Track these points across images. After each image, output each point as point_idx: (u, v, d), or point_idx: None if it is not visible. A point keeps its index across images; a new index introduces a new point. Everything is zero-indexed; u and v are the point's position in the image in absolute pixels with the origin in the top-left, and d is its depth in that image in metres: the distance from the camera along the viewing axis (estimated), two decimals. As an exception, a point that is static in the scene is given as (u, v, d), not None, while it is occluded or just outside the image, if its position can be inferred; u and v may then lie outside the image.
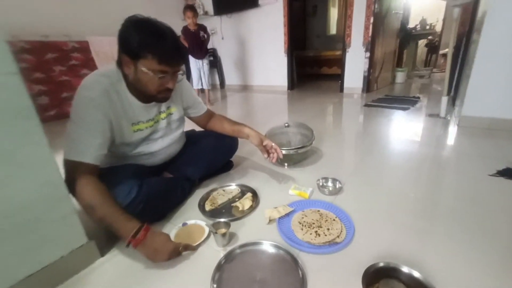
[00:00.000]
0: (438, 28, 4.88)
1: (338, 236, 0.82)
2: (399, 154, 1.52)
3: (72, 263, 0.76)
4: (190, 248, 0.80)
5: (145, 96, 0.89)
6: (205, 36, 3.07)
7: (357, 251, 0.78)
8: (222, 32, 4.49)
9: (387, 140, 1.75)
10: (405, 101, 2.75)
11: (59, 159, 0.73)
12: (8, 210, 0.62)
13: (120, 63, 0.84)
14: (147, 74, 0.80)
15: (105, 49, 3.24)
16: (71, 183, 0.74)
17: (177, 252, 0.77)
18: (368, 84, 3.41)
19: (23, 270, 0.67)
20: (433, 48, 5.02)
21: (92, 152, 0.78)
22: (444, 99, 2.04)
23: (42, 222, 0.69)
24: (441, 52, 4.95)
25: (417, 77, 4.55)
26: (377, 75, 3.60)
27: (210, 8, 4.42)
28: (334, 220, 0.90)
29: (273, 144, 1.12)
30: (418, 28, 4.59)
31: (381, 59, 3.58)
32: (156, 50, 0.77)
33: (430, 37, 4.80)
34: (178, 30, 3.73)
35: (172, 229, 0.92)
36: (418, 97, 2.92)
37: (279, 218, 0.93)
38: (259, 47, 4.22)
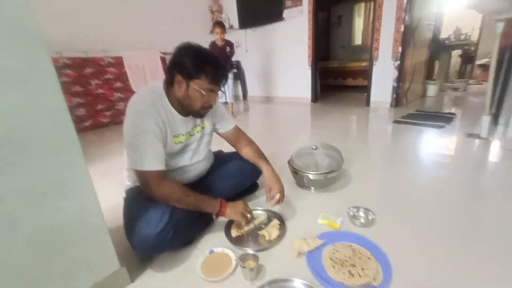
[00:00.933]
0: (474, 37, 4.59)
1: (374, 279, 0.76)
2: (436, 180, 1.41)
3: (105, 288, 0.78)
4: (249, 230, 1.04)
5: (186, 110, 0.99)
6: (231, 51, 3.15)
7: (396, 298, 0.72)
8: (246, 45, 4.58)
9: (421, 163, 1.64)
10: (439, 118, 2.58)
11: (93, 172, 0.75)
12: (48, 235, 0.65)
13: (168, 82, 0.95)
14: (198, 91, 0.91)
15: (137, 63, 3.42)
16: (149, 189, 0.88)
17: (245, 217, 1.02)
18: (397, 98, 3.26)
19: (61, 295, 0.70)
20: (468, 59, 4.72)
21: (160, 159, 0.90)
22: (486, 119, 1.88)
23: (79, 248, 0.71)
24: (477, 62, 4.64)
25: (451, 89, 4.29)
26: (406, 88, 3.45)
27: (235, 22, 4.54)
28: (368, 258, 0.84)
29: (277, 196, 1.09)
30: (452, 39, 4.35)
31: (411, 72, 3.43)
32: (208, 72, 0.90)
33: (465, 48, 4.52)
34: (204, 44, 3.87)
35: (199, 256, 0.91)
36: (454, 114, 2.73)
37: (309, 251, 0.89)
38: (283, 59, 4.23)
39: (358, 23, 5.61)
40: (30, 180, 0.60)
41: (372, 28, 3.25)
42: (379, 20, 3.12)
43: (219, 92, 1.03)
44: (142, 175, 0.88)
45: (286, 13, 3.88)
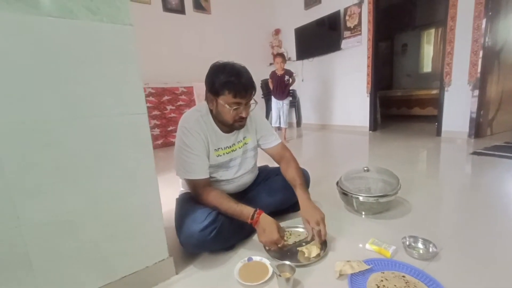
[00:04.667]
0: None
1: (430, 317, 0.65)
2: (531, 221, 1.13)
3: (154, 274, 0.87)
4: (288, 247, 0.99)
5: (225, 126, 1.06)
6: (290, 80, 3.34)
7: None
8: (302, 74, 4.74)
9: (506, 200, 1.34)
10: (538, 151, 2.10)
11: (159, 181, 0.88)
12: (117, 218, 0.78)
13: (207, 100, 1.05)
14: (225, 107, 0.98)
15: (204, 92, 3.92)
16: (196, 193, 1.02)
17: (276, 244, 0.93)
18: (478, 128, 2.80)
19: (120, 271, 0.81)
20: None
21: (204, 170, 1.03)
22: None
23: (139, 232, 0.83)
24: None
25: (559, 120, 3.45)
26: (491, 118, 2.94)
27: (293, 54, 4.81)
28: (425, 293, 0.72)
29: (317, 228, 0.95)
30: (555, 61, 3.60)
31: (497, 99, 2.94)
32: (230, 87, 0.95)
33: None
34: (263, 75, 4.22)
35: (238, 262, 0.94)
36: (562, 147, 2.18)
37: (352, 274, 0.82)
38: (339, 88, 4.20)
39: (427, 50, 5.23)
40: (111, 165, 0.76)
41: (443, 53, 2.99)
42: (451, 43, 2.87)
43: (252, 104, 1.04)
44: (189, 182, 1.04)
45: (344, 44, 3.93)
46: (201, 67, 4.03)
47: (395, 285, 0.76)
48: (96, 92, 0.71)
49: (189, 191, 1.13)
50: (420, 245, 0.95)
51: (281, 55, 3.31)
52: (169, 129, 3.74)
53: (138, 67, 0.78)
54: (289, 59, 4.83)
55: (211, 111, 1.06)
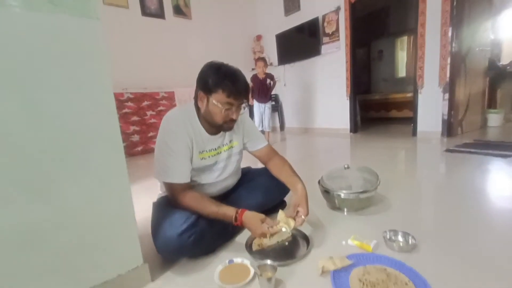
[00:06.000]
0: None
1: (411, 307, 0.64)
2: (497, 212, 1.18)
3: (126, 282, 0.81)
4: (276, 232, 0.95)
5: (213, 127, 1.02)
6: (271, 83, 3.37)
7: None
8: (284, 79, 4.82)
9: (479, 193, 1.41)
10: (504, 147, 2.24)
11: (137, 188, 0.84)
12: (87, 227, 0.73)
13: (195, 99, 1.01)
14: (216, 106, 0.94)
15: (186, 97, 3.86)
16: (174, 198, 0.97)
17: (265, 235, 0.94)
18: (450, 128, 2.96)
19: (89, 281, 0.74)
20: (540, 86, 4.13)
21: (185, 174, 0.98)
22: None
23: (111, 240, 0.77)
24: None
25: (520, 120, 3.73)
26: (461, 118, 3.12)
27: (275, 59, 4.89)
28: (406, 284, 0.72)
29: (303, 216, 0.98)
30: (514, 65, 3.92)
31: (465, 100, 3.12)
32: (225, 86, 0.92)
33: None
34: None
35: (218, 265, 0.90)
36: (524, 143, 2.34)
37: (334, 270, 0.80)
38: (320, 92, 4.30)
39: (402, 56, 5.53)
40: (79, 170, 0.70)
41: (415, 57, 3.16)
42: (422, 48, 3.04)
43: (244, 108, 1.02)
44: (169, 186, 0.98)
45: (323, 49, 4.05)
46: (183, 72, 4.04)
47: (377, 278, 0.75)
48: (59, 91, 0.66)
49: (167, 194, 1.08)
50: (400, 238, 0.96)
51: (263, 59, 3.36)
52: (149, 135, 3.62)
53: (107, 65, 0.73)
54: (271, 64, 4.90)
55: (198, 110, 1.01)
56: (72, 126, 0.68)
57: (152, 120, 3.63)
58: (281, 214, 1.00)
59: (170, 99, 3.78)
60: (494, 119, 3.49)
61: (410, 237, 0.94)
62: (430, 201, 1.41)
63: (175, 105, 3.81)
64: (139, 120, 3.52)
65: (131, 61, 3.57)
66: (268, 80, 3.35)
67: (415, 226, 1.06)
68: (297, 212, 1.01)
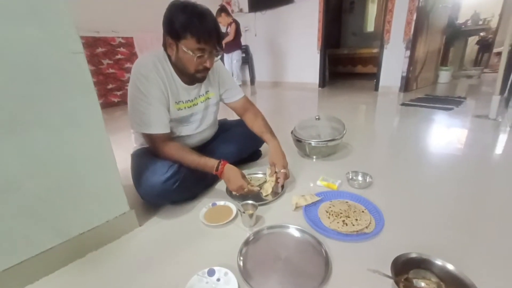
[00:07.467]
0: (494, 24, 4.41)
1: (366, 227, 0.80)
2: (438, 155, 1.42)
3: (115, 228, 0.85)
4: (254, 191, 1.01)
5: (186, 76, 0.97)
6: (228, 28, 3.27)
7: (386, 242, 0.76)
8: (255, 29, 4.54)
9: (424, 140, 1.64)
10: (448, 101, 2.54)
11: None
12: (64, 168, 0.71)
13: (165, 45, 0.92)
14: (187, 53, 0.87)
15: (148, 45, 3.47)
16: (155, 149, 0.96)
17: (242, 189, 0.96)
18: (407, 83, 3.21)
19: (76, 228, 0.77)
20: (485, 46, 4.55)
21: (164, 123, 0.95)
22: (496, 99, 1.85)
23: (91, 185, 0.77)
24: (495, 50, 4.46)
25: (465, 77, 4.17)
26: (417, 74, 3.37)
27: (245, 5, 4.49)
28: (363, 211, 0.88)
29: (282, 170, 1.03)
30: (469, 24, 4.19)
31: (423, 57, 3.34)
32: (194, 30, 0.84)
33: (482, 34, 4.36)
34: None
35: (202, 208, 0.97)
36: (464, 98, 2.68)
37: (306, 206, 0.94)
38: (292, 44, 4.19)
39: (372, 9, 5.45)
40: (48, 113, 0.65)
41: (385, 10, 3.17)
42: (393, 1, 3.04)
43: (218, 56, 0.97)
44: (148, 137, 0.96)
45: (296, -4, 3.82)
46: (141, 15, 3.54)
47: (340, 209, 0.90)
48: (14, 25, 0.57)
49: (143, 146, 1.07)
50: (360, 177, 1.12)
51: (223, 10, 3.22)
52: (108, 87, 3.30)
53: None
54: (241, 10, 4.52)
55: (169, 57, 0.94)
56: (34, 63, 0.61)
57: (110, 70, 3.28)
58: (267, 171, 1.08)
59: (129, 45, 3.38)
60: (444, 76, 3.84)
61: (367, 176, 1.10)
62: (385, 147, 1.61)
63: (135, 53, 3.43)
64: (95, 70, 3.15)
65: (75, -4, 3.00)
66: (228, 29, 3.21)
67: (372, 167, 1.24)
68: (275, 172, 1.05)
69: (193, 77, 0.97)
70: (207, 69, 0.95)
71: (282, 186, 1.08)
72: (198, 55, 0.88)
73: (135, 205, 0.94)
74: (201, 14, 0.85)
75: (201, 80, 1.01)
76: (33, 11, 0.59)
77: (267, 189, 1.04)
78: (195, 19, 0.83)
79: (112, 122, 2.58)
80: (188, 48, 0.87)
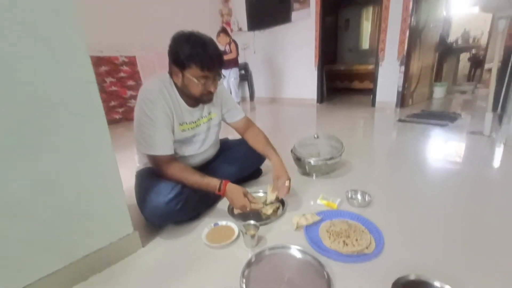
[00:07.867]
0: (484, 41, 4.58)
1: (367, 247, 0.81)
2: (435, 171, 1.45)
3: (119, 249, 0.86)
4: (257, 209, 1.04)
5: (191, 99, 1.03)
6: (229, 48, 3.41)
7: (386, 263, 0.77)
8: (254, 46, 4.69)
9: (422, 157, 1.68)
10: (443, 117, 2.60)
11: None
12: (72, 192, 0.73)
13: (170, 73, 0.98)
14: (192, 80, 0.94)
15: (149, 63, 3.57)
16: (159, 169, 0.99)
17: (245, 207, 0.99)
18: (403, 99, 3.29)
19: (80, 250, 0.78)
20: (477, 62, 4.70)
21: (168, 145, 0.99)
22: (489, 116, 1.90)
23: (98, 208, 0.79)
24: (487, 66, 4.60)
25: (459, 92, 4.27)
26: (412, 90, 3.47)
27: (244, 24, 4.67)
28: (363, 231, 0.90)
29: (286, 183, 1.07)
30: (460, 42, 4.35)
31: (417, 74, 3.45)
32: (198, 60, 0.90)
33: (473, 51, 4.51)
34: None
35: (204, 228, 0.98)
36: (459, 114, 2.74)
37: (307, 225, 0.95)
38: (290, 61, 4.32)
39: (366, 27, 5.66)
40: (57, 138, 0.69)
41: (378, 29, 3.30)
42: (386, 21, 3.18)
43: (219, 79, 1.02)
44: (153, 158, 0.99)
45: (294, 16, 3.98)
46: (144, 35, 3.67)
47: (340, 228, 0.92)
48: (27, 54, 0.61)
49: (147, 166, 1.09)
50: (359, 196, 1.14)
51: (224, 31, 3.40)
52: (111, 104, 3.37)
53: (79, 25, 0.68)
54: (240, 29, 4.69)
55: (175, 84, 1.00)
56: (45, 91, 0.65)
57: (113, 88, 3.35)
58: (269, 188, 1.11)
59: (131, 64, 3.47)
60: (439, 91, 3.94)
61: (366, 195, 1.12)
62: (383, 164, 1.64)
63: (137, 72, 3.52)
64: (98, 88, 3.20)
65: (82, 19, 3.12)
66: (228, 47, 3.34)
67: (371, 185, 1.26)
68: (280, 185, 1.08)
69: (199, 100, 1.03)
70: (211, 93, 1.01)
71: (283, 204, 1.10)
72: (202, 81, 0.94)
73: (138, 226, 0.95)
74: (204, 44, 0.91)
75: (207, 102, 1.06)
76: (45, 39, 0.63)
77: (267, 211, 1.06)
78: (198, 49, 0.89)
79: (114, 140, 2.59)
80: (193, 76, 0.93)
